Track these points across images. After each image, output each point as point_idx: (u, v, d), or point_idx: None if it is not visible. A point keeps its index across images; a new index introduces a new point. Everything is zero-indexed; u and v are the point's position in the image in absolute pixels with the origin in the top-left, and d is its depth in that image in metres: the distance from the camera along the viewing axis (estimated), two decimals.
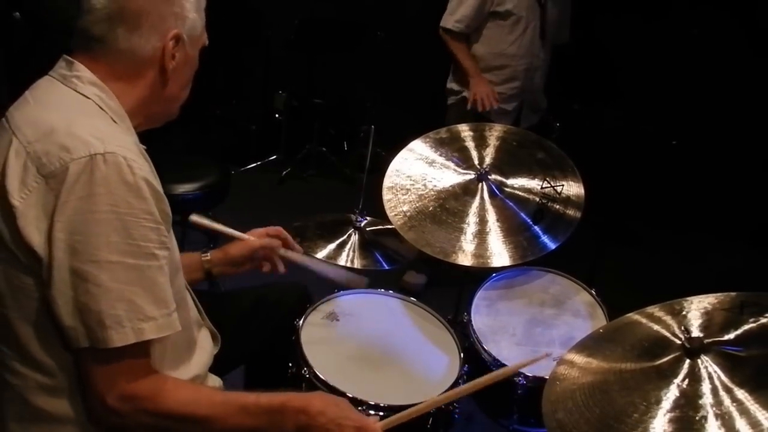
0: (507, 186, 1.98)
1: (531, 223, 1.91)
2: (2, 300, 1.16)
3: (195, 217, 1.75)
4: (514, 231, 1.89)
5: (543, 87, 3.24)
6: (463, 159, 2.04)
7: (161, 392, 1.19)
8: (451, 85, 3.16)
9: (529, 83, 3.12)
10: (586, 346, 1.36)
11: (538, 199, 1.95)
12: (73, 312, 1.10)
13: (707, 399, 1.07)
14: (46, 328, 1.15)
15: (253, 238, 1.72)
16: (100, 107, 1.19)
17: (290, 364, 1.68)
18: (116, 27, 1.18)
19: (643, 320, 1.29)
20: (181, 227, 2.05)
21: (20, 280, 1.14)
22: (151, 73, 1.24)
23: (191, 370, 1.39)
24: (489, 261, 1.83)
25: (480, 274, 2.02)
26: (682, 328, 1.19)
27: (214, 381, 1.49)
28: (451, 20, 3.01)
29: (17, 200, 1.10)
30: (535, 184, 1.98)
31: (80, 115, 1.16)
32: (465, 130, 2.11)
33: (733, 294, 1.22)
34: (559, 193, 1.95)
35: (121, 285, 1.11)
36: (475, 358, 1.78)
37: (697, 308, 1.23)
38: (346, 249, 2.01)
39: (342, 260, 1.97)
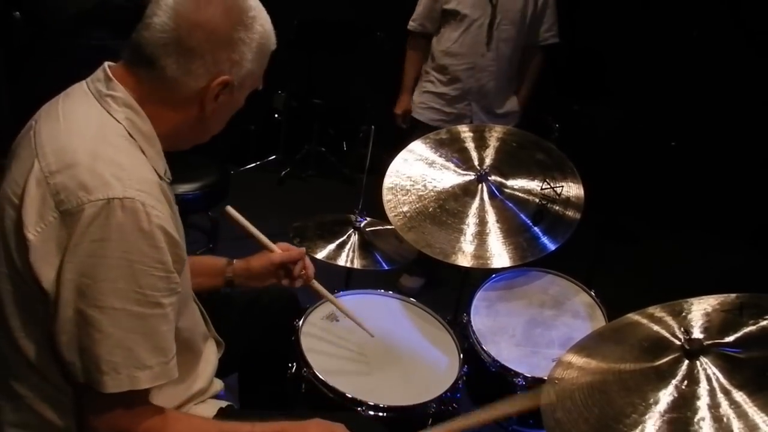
0: (507, 187, 1.98)
1: (531, 224, 1.91)
2: (10, 319, 1.16)
3: (231, 210, 1.68)
4: (513, 232, 1.89)
5: (500, 90, 3.04)
6: (462, 160, 2.04)
7: (156, 430, 1.19)
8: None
9: (474, 84, 2.98)
10: (586, 346, 1.36)
11: (537, 200, 1.95)
12: (73, 350, 1.11)
13: (705, 401, 1.07)
14: (49, 350, 1.15)
15: (279, 252, 1.66)
16: (130, 134, 1.16)
17: (290, 364, 1.68)
18: (168, 56, 1.14)
19: (643, 321, 1.29)
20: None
21: (28, 304, 1.14)
22: (191, 109, 1.21)
23: (196, 384, 1.39)
24: (489, 262, 1.84)
25: (479, 275, 2.02)
26: (682, 329, 1.19)
27: (216, 385, 1.49)
28: (411, 20, 3.03)
29: (32, 233, 1.08)
30: (534, 185, 1.98)
31: (107, 147, 1.12)
32: (465, 131, 2.11)
33: (733, 295, 1.23)
34: (559, 195, 1.95)
35: (122, 332, 1.10)
36: (474, 359, 1.78)
37: (696, 309, 1.24)
38: (346, 249, 2.01)
39: (341, 260, 1.98)
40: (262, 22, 1.21)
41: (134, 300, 1.10)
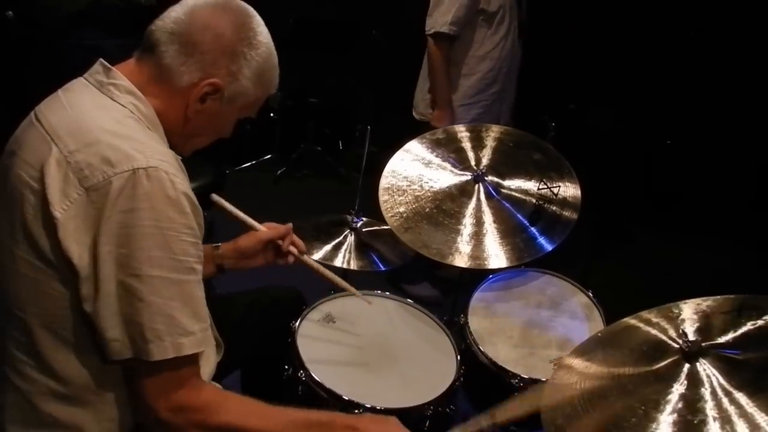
0: (503, 187, 1.98)
1: (528, 224, 1.90)
2: (25, 307, 1.16)
3: (216, 197, 1.70)
4: (510, 232, 1.89)
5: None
6: (459, 160, 2.03)
7: (213, 404, 1.20)
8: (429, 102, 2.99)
9: (509, 86, 3.01)
10: (585, 350, 1.35)
11: (534, 201, 1.95)
12: (118, 324, 1.11)
13: (706, 403, 1.07)
14: (66, 337, 1.15)
15: (264, 229, 1.70)
16: (137, 116, 1.19)
17: (286, 367, 1.67)
18: (171, 43, 1.20)
19: (641, 324, 1.28)
20: None
21: (52, 288, 1.14)
22: (176, 105, 1.24)
23: None
24: (486, 262, 1.83)
25: (477, 276, 2.02)
26: (681, 331, 1.18)
27: None
28: (442, 22, 2.77)
29: (59, 211, 1.10)
30: (531, 185, 1.98)
31: (120, 126, 1.16)
32: (462, 131, 2.10)
33: (731, 297, 1.22)
34: (556, 195, 1.95)
35: (162, 299, 1.12)
36: (471, 361, 1.78)
37: (695, 311, 1.23)
38: (342, 250, 2.00)
39: (338, 261, 1.96)
40: (266, 49, 1.28)
41: (170, 267, 1.12)
